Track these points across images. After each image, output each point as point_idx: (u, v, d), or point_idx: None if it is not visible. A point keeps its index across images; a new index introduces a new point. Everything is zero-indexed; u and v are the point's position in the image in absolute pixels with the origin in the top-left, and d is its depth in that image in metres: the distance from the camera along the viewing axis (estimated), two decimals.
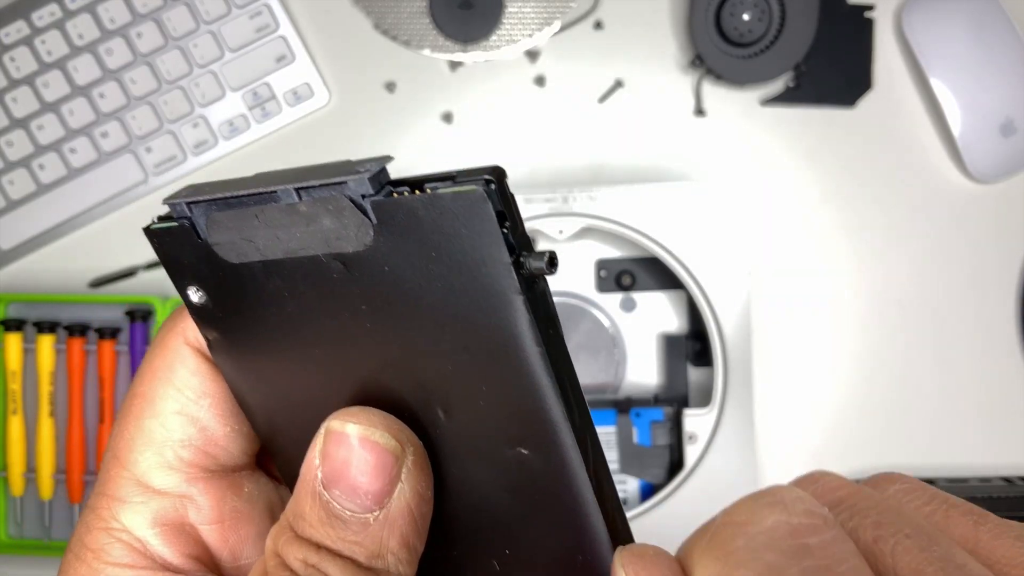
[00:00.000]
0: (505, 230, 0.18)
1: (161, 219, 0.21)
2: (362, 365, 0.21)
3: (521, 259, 0.18)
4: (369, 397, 0.21)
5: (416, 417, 0.21)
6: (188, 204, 0.20)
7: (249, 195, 0.20)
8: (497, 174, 0.18)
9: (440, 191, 0.18)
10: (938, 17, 0.58)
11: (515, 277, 0.18)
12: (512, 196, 0.18)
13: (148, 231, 0.21)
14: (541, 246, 0.59)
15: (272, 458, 0.24)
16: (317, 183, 0.19)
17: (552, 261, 0.18)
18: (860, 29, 0.59)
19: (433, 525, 0.21)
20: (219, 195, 0.20)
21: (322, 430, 0.20)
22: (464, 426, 0.20)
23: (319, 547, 0.20)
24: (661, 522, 0.54)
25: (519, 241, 0.18)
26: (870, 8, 0.59)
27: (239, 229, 0.20)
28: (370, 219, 0.18)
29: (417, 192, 0.18)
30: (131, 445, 0.23)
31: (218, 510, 0.23)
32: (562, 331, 0.19)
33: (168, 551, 0.22)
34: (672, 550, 0.20)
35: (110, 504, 0.23)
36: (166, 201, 0.20)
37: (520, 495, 0.20)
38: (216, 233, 0.20)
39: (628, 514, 0.54)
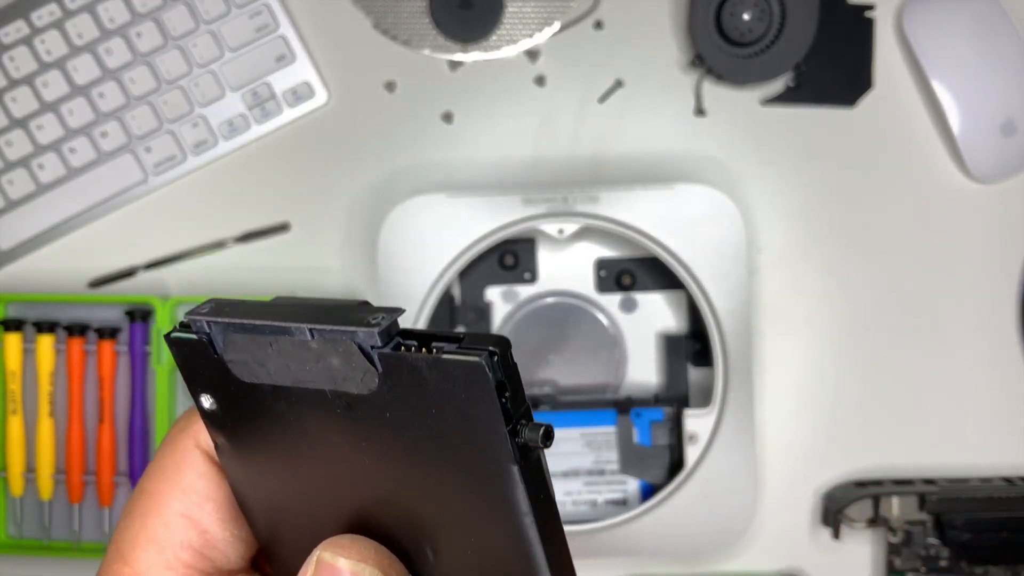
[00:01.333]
0: (504, 400, 0.19)
1: (182, 327, 0.23)
2: (359, 493, 0.22)
3: (518, 429, 0.19)
4: (363, 524, 0.22)
5: (406, 551, 0.22)
6: (208, 322, 0.22)
7: (265, 326, 0.21)
8: (501, 345, 0.19)
9: (444, 356, 0.19)
10: (939, 17, 0.58)
11: (510, 446, 0.19)
12: (515, 366, 0.19)
13: (168, 339, 0.23)
14: (540, 246, 0.59)
15: (268, 563, 0.25)
16: (329, 328, 0.20)
17: (548, 435, 0.19)
18: (860, 29, 0.59)
19: None
20: (237, 320, 0.21)
21: (314, 557, 0.21)
22: (452, 569, 0.22)
23: None
24: (661, 522, 0.54)
25: (517, 411, 0.19)
26: (870, 8, 0.59)
27: (253, 352, 0.21)
28: (376, 367, 0.20)
29: (423, 351, 0.19)
30: (134, 542, 0.24)
31: None
32: (554, 495, 0.20)
33: None
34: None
35: None
36: (188, 315, 0.22)
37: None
38: (231, 352, 0.22)
39: (627, 515, 0.54)
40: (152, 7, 0.59)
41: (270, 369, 0.21)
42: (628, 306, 0.59)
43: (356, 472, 0.22)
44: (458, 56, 0.60)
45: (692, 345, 0.58)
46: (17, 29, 0.59)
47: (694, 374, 0.58)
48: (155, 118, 0.60)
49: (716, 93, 0.60)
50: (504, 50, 0.60)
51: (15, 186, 0.60)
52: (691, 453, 0.54)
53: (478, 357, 0.18)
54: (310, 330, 0.20)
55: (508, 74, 0.60)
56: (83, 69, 0.59)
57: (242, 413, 0.23)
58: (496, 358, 0.19)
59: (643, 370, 0.59)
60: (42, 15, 0.59)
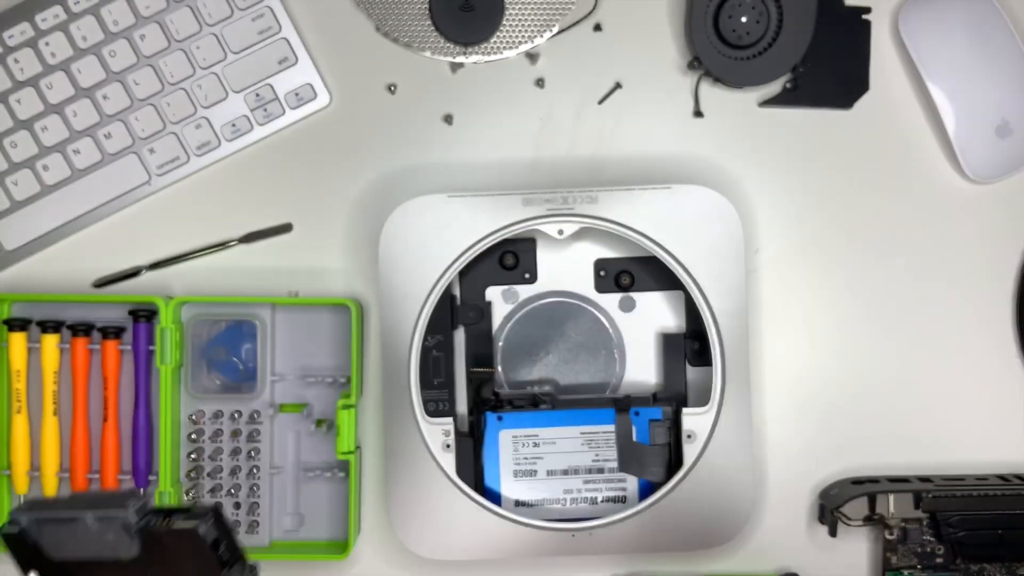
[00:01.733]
0: (220, 551, 0.29)
1: (10, 524, 0.33)
2: None
3: (231, 571, 0.29)
4: None
5: None
6: (25, 518, 0.32)
7: (64, 517, 0.31)
8: (215, 512, 0.30)
9: (174, 525, 0.30)
10: (935, 19, 0.59)
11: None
12: (227, 524, 0.30)
13: (2, 534, 0.33)
14: (540, 246, 0.59)
15: None
16: (107, 512, 0.31)
17: (253, 572, 0.31)
18: (857, 31, 0.60)
19: None
20: (43, 514, 0.32)
21: None
22: None
23: None
24: (660, 520, 0.55)
25: (231, 556, 0.30)
26: (867, 10, 0.60)
27: (56, 536, 0.32)
28: (135, 538, 0.31)
29: (164, 521, 0.31)
30: None
31: None
32: None
33: None
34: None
35: None
36: (12, 514, 0.33)
37: None
38: (44, 538, 0.32)
39: (626, 513, 0.55)
40: (156, 10, 0.60)
41: (70, 547, 0.31)
42: (627, 306, 0.59)
43: None
44: (459, 58, 0.60)
45: (690, 344, 0.58)
46: (22, 31, 0.60)
47: (692, 373, 0.59)
48: (159, 120, 0.60)
49: (714, 95, 0.61)
50: (504, 52, 0.60)
51: (20, 187, 0.60)
52: (689, 451, 0.55)
53: (196, 522, 0.30)
54: (94, 517, 0.31)
55: (508, 76, 0.61)
56: (87, 71, 0.60)
57: None
58: (211, 522, 0.29)
59: (642, 369, 0.59)
60: (47, 17, 0.60)
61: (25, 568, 0.33)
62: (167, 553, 0.30)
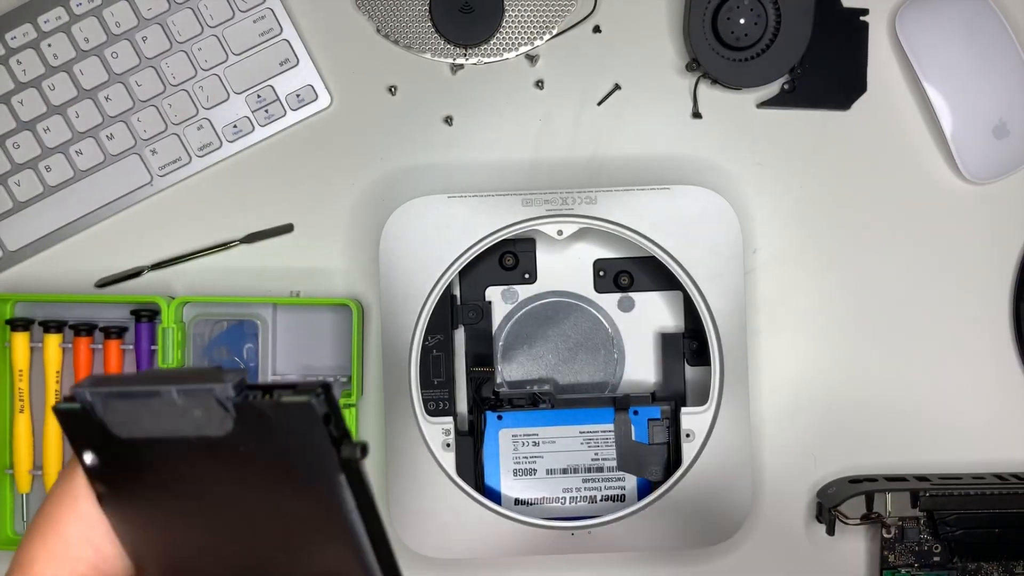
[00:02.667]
0: (330, 427, 0.25)
1: (67, 400, 0.27)
2: (220, 517, 0.27)
3: (341, 449, 0.25)
4: (223, 542, 0.27)
5: (258, 556, 0.27)
6: (91, 393, 0.26)
7: (139, 392, 0.26)
8: (325, 388, 0.25)
9: (283, 399, 0.25)
10: (932, 20, 0.59)
11: (337, 463, 0.25)
12: (336, 401, 0.25)
13: (55, 410, 0.27)
14: (540, 247, 0.59)
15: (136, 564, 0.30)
16: (192, 387, 0.25)
17: (364, 450, 0.25)
18: (855, 33, 0.60)
19: None
20: (115, 388, 0.26)
21: None
22: (300, 568, 0.27)
23: None
24: (658, 519, 0.55)
25: (340, 435, 0.25)
26: (864, 12, 0.60)
27: (128, 413, 0.26)
28: (230, 413, 0.25)
29: (266, 397, 0.25)
30: (35, 557, 0.27)
31: None
32: (374, 497, 0.26)
33: None
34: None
35: None
36: (72, 389, 0.27)
37: None
38: (110, 415, 0.26)
39: (625, 511, 0.55)
40: (158, 12, 0.60)
41: (144, 424, 0.26)
42: (626, 305, 0.60)
43: (217, 500, 0.27)
44: (459, 60, 0.61)
45: (689, 344, 0.59)
46: (24, 33, 0.60)
47: (691, 372, 0.59)
48: (161, 121, 0.61)
49: (712, 96, 0.61)
50: (504, 54, 0.60)
51: (23, 187, 0.61)
52: (688, 450, 0.55)
53: (308, 397, 0.24)
54: (177, 391, 0.25)
55: (508, 77, 0.61)
56: (90, 72, 0.60)
57: (120, 465, 0.27)
58: (322, 396, 0.25)
59: (641, 369, 0.60)
60: (49, 19, 0.60)
61: (80, 448, 0.28)
62: (267, 432, 0.25)
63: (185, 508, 0.28)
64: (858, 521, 0.56)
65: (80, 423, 0.27)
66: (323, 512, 0.26)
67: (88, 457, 0.28)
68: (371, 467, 0.60)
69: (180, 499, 0.28)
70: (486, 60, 0.61)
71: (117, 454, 0.27)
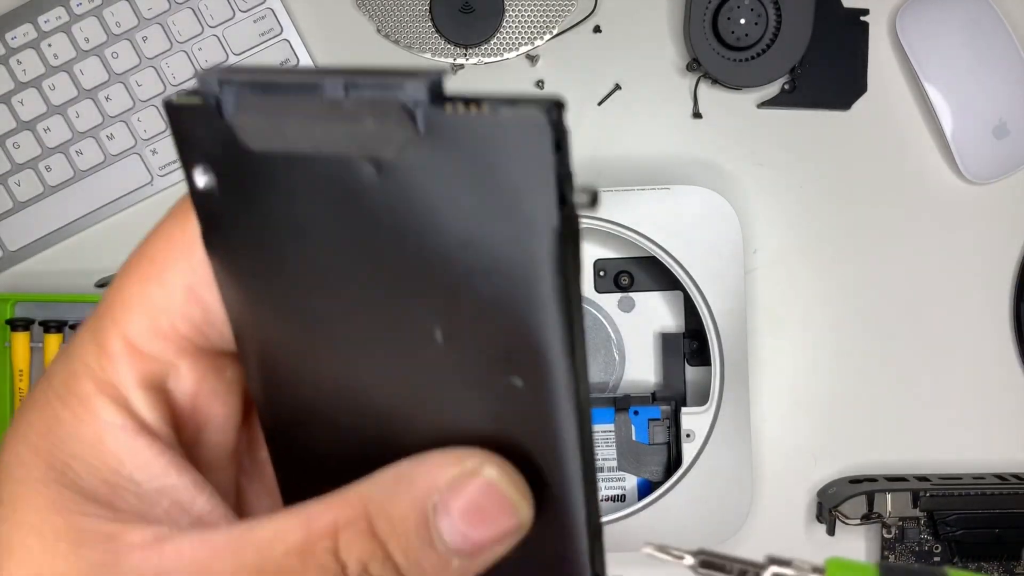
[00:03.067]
0: (557, 159, 0.17)
1: (188, 94, 0.19)
2: (368, 275, 0.20)
3: (565, 193, 0.17)
4: (368, 306, 0.20)
5: (411, 333, 0.20)
6: (220, 82, 0.18)
7: (290, 83, 0.18)
8: (559, 105, 0.17)
9: (501, 111, 0.17)
10: (932, 21, 0.59)
11: (556, 210, 0.17)
12: (567, 130, 0.17)
13: (169, 105, 0.19)
14: None
15: (239, 352, 0.23)
16: (371, 81, 0.17)
17: (594, 199, 0.17)
18: (855, 33, 0.60)
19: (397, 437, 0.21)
20: (257, 78, 0.18)
21: (468, 462, 0.20)
22: (461, 350, 0.20)
23: (387, 556, 0.19)
24: (658, 519, 0.55)
25: (565, 174, 0.17)
26: (865, 12, 0.60)
27: (270, 115, 0.18)
28: (418, 128, 0.17)
29: (475, 108, 0.17)
30: (129, 305, 0.22)
31: (198, 385, 0.23)
32: (581, 271, 0.19)
33: (150, 413, 0.22)
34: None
35: (100, 356, 0.22)
36: (198, 75, 0.19)
37: (501, 427, 0.20)
38: (244, 115, 0.19)
39: (626, 511, 0.55)
40: (158, 11, 0.60)
41: (288, 134, 0.18)
42: (626, 306, 0.60)
43: (371, 254, 0.19)
44: (459, 60, 0.61)
45: (689, 344, 0.59)
46: (24, 33, 0.60)
47: (691, 373, 0.59)
48: (161, 121, 0.61)
49: (713, 96, 0.61)
50: (504, 54, 0.60)
51: (23, 187, 0.61)
52: (688, 450, 0.55)
53: (540, 111, 0.17)
54: (345, 85, 0.17)
55: (508, 78, 0.61)
56: (90, 72, 0.60)
57: (243, 191, 0.20)
58: (555, 115, 0.17)
59: (641, 369, 0.60)
60: (49, 19, 0.60)
61: (192, 161, 0.20)
62: (464, 160, 0.17)
63: (321, 261, 0.20)
64: (858, 521, 0.56)
65: (199, 124, 0.19)
66: (515, 277, 0.18)
67: (201, 176, 0.20)
68: None
69: (317, 248, 0.20)
70: (486, 60, 0.61)
71: (242, 176, 0.20)
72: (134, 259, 0.22)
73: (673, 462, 0.57)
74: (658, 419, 0.57)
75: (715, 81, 0.59)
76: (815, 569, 0.22)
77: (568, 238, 0.18)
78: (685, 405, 0.57)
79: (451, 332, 0.19)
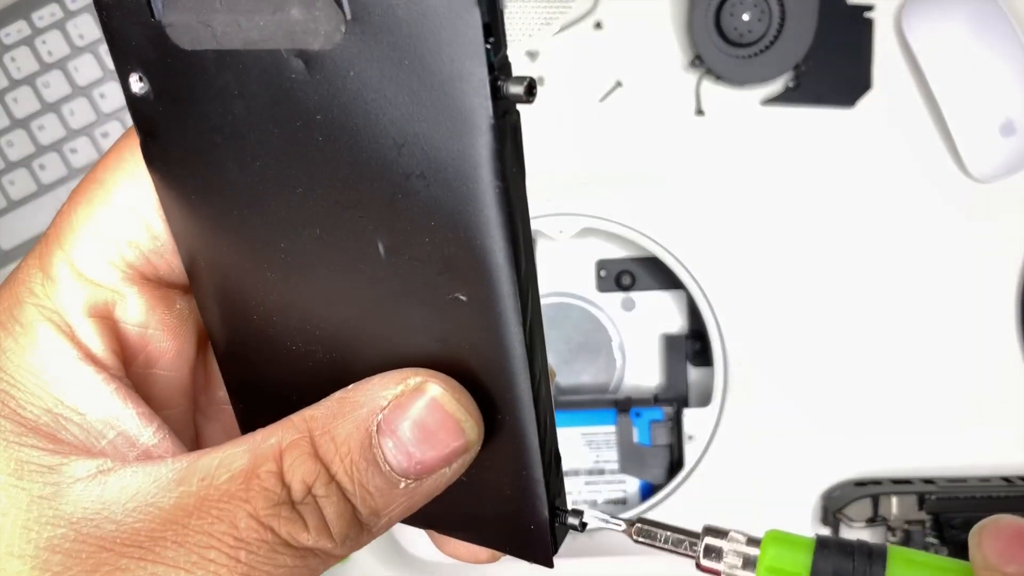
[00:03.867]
0: (488, 46, 0.16)
1: None
2: (306, 183, 0.19)
3: (499, 82, 0.17)
4: (308, 220, 0.20)
5: (353, 248, 0.19)
6: None
7: None
8: None
9: None
10: (937, 17, 0.59)
11: (489, 100, 0.17)
12: (501, 12, 0.17)
13: (98, 2, 0.20)
14: (541, 246, 0.59)
15: (190, 278, 0.23)
16: None
17: (531, 89, 0.17)
18: (860, 29, 0.60)
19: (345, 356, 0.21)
20: None
21: (411, 380, 0.19)
22: (404, 264, 0.19)
23: (331, 478, 0.19)
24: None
25: (500, 63, 0.17)
26: (870, 8, 0.60)
27: (198, 11, 0.18)
28: (344, 13, 0.17)
29: None
30: (75, 229, 0.21)
31: (146, 316, 0.22)
32: (525, 175, 0.18)
33: (95, 342, 0.21)
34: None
35: (44, 282, 0.21)
36: None
37: (449, 348, 0.20)
38: (172, 12, 0.19)
39: (627, 514, 0.54)
40: None
41: (216, 30, 0.18)
42: (628, 306, 0.59)
43: (305, 156, 0.19)
44: None
45: (691, 345, 0.58)
46: (19, 30, 0.59)
47: (693, 374, 0.58)
48: None
49: (716, 93, 0.60)
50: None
51: (16, 186, 0.60)
52: (690, 452, 0.55)
53: None
54: None
55: None
56: (84, 69, 0.59)
57: (178, 95, 0.20)
58: None
59: (643, 370, 0.59)
60: (43, 16, 0.59)
61: (126, 67, 0.20)
62: (392, 45, 0.16)
63: (256, 166, 0.19)
64: (863, 524, 0.56)
65: (131, 25, 0.19)
66: (451, 177, 0.17)
67: (136, 82, 0.20)
68: None
69: (252, 152, 0.19)
70: None
71: (175, 79, 0.19)
72: (83, 183, 0.22)
73: (675, 464, 0.56)
74: (660, 421, 0.57)
75: (718, 78, 0.59)
76: (751, 540, 0.21)
77: (505, 132, 0.17)
78: (687, 406, 0.56)
79: (393, 244, 0.19)
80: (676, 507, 0.54)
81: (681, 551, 0.21)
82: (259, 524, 0.18)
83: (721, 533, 0.21)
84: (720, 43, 0.58)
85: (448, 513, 0.22)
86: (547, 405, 0.21)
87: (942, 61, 0.59)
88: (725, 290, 0.55)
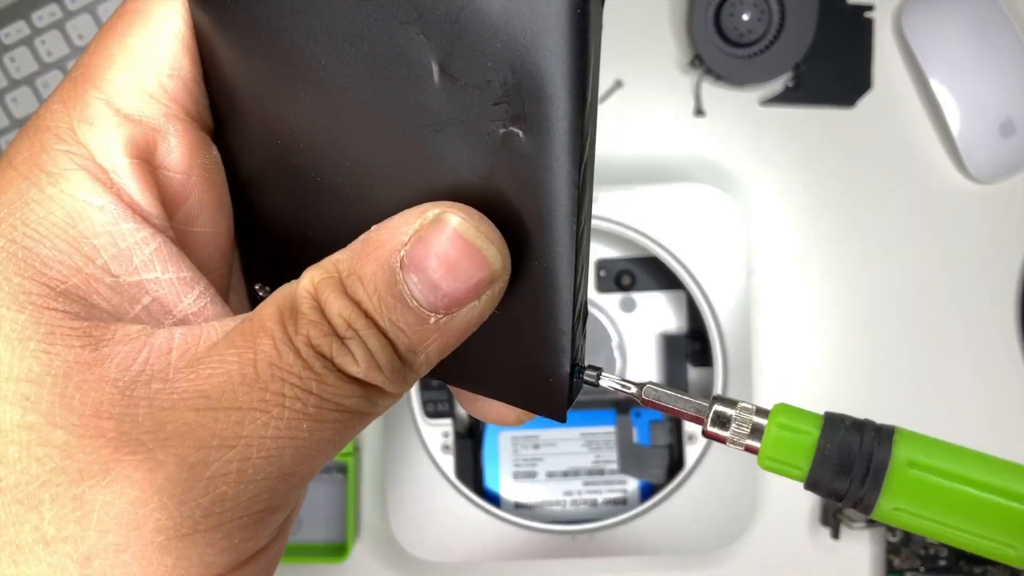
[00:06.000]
0: None
1: None
2: (362, 8, 0.17)
3: None
4: (357, 34, 0.18)
5: (403, 69, 0.18)
6: None
7: None
8: None
9: None
10: (937, 17, 0.59)
11: None
12: None
13: None
14: None
15: (211, 101, 0.21)
16: None
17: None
18: (859, 29, 0.60)
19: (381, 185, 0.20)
20: None
21: (430, 212, 0.18)
22: (458, 91, 0.18)
23: (366, 315, 0.18)
24: (661, 522, 0.54)
25: None
26: (869, 8, 0.60)
27: None
28: None
29: None
30: (111, 60, 0.19)
31: (188, 160, 0.20)
32: (603, 3, 0.17)
33: (136, 187, 0.19)
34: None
35: (74, 124, 0.19)
36: None
37: (491, 183, 0.19)
38: None
39: (627, 515, 0.54)
40: None
41: None
42: (628, 306, 0.59)
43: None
44: None
45: (691, 345, 0.58)
46: (18, 30, 0.59)
47: (693, 374, 0.58)
48: None
49: (715, 93, 0.60)
50: None
51: None
52: (690, 453, 0.55)
53: None
54: None
55: None
56: None
57: None
58: None
59: (643, 370, 0.59)
60: (43, 16, 0.59)
61: None
62: None
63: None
64: (863, 524, 0.56)
65: None
66: (519, 22, 0.16)
67: None
68: (369, 469, 0.59)
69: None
70: None
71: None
72: (114, 15, 0.19)
73: (675, 464, 0.56)
74: (660, 421, 0.57)
75: (718, 78, 0.59)
76: (760, 411, 0.21)
77: (583, 48, 0.16)
78: None
79: (449, 67, 0.17)
80: (676, 507, 0.54)
81: (689, 414, 0.21)
82: (318, 355, 0.18)
83: (730, 403, 0.21)
84: (720, 43, 0.58)
85: (472, 365, 0.22)
86: (586, 256, 0.20)
87: (942, 61, 0.58)
88: (725, 290, 0.55)
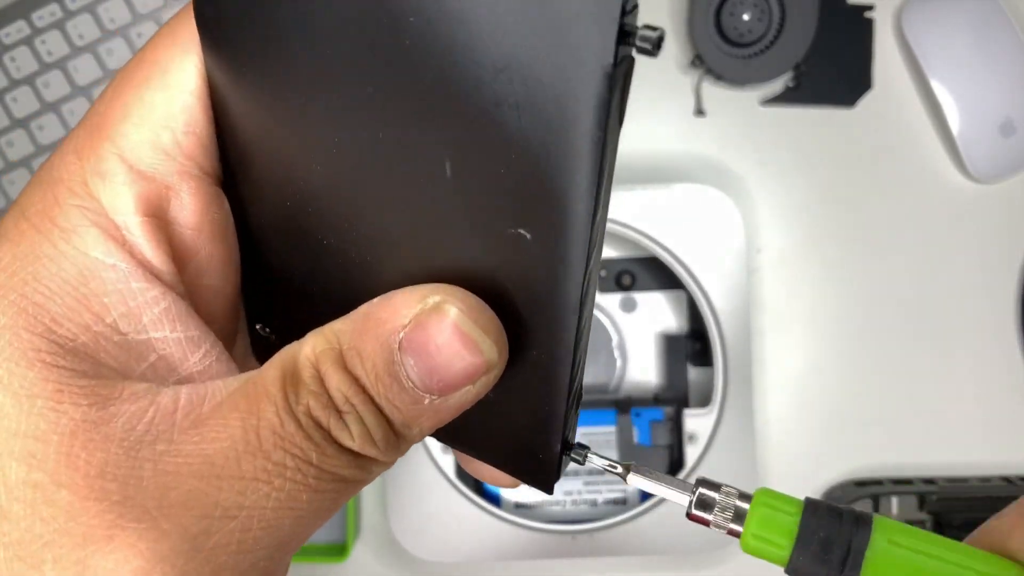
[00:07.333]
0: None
1: None
2: (380, 83, 0.17)
3: (627, 27, 0.15)
4: (373, 121, 0.18)
5: (416, 160, 0.18)
6: None
7: None
8: None
9: None
10: (938, 17, 0.59)
11: (613, 43, 0.15)
12: None
13: None
14: None
15: (222, 159, 0.21)
16: None
17: (660, 43, 0.15)
18: (860, 29, 0.60)
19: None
20: None
21: (431, 300, 0.19)
22: (469, 188, 0.18)
23: (363, 390, 0.19)
24: (660, 522, 0.54)
25: (631, 4, 0.15)
26: (870, 8, 0.60)
27: None
28: None
29: None
30: (124, 115, 0.19)
31: (200, 216, 0.20)
32: (622, 125, 0.17)
33: (147, 245, 0.19)
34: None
35: (88, 178, 0.19)
36: None
37: (494, 275, 0.19)
38: None
39: (627, 515, 0.54)
40: (153, 7, 0.59)
41: None
42: (628, 306, 0.59)
43: (385, 61, 0.17)
44: None
45: (692, 345, 0.58)
46: (18, 29, 0.59)
47: (693, 374, 0.58)
48: None
49: (716, 93, 0.60)
50: None
51: (16, 186, 0.60)
52: (691, 453, 0.55)
53: None
54: None
55: None
56: (84, 69, 0.59)
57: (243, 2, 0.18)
58: None
59: (643, 370, 0.59)
60: (43, 15, 0.59)
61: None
62: None
63: (321, 67, 0.18)
64: None
65: None
66: (548, 114, 0.16)
67: None
68: None
69: (319, 47, 0.17)
70: None
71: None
72: (131, 63, 0.19)
73: (675, 465, 0.56)
74: (660, 421, 0.57)
75: (718, 78, 0.59)
76: (742, 496, 0.21)
77: (620, 82, 0.16)
78: (687, 407, 0.56)
79: (463, 167, 0.17)
80: (676, 508, 0.54)
81: (675, 492, 0.22)
82: (317, 426, 0.18)
83: (714, 486, 0.22)
84: (720, 43, 0.58)
85: (469, 432, 0.22)
86: (585, 347, 0.20)
87: (942, 60, 0.58)
88: (725, 290, 0.55)
